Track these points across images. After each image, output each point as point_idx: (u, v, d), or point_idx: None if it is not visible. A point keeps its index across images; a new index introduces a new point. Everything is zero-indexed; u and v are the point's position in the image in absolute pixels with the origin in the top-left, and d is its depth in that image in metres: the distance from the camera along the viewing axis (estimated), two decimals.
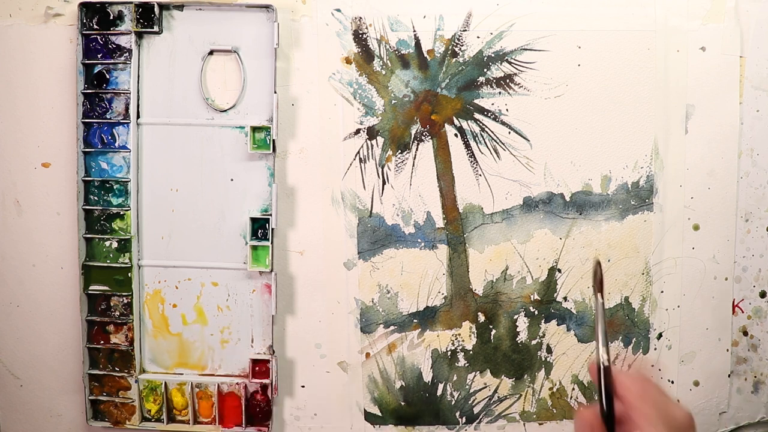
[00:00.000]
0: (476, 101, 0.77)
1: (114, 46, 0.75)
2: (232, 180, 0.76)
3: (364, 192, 0.78)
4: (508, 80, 0.77)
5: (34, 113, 0.76)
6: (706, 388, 0.81)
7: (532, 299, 0.79)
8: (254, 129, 0.75)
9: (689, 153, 0.78)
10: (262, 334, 0.78)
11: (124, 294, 0.77)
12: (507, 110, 0.77)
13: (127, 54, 0.75)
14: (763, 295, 0.81)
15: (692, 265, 0.80)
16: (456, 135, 0.77)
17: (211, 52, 0.75)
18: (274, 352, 0.77)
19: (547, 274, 0.79)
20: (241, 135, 0.76)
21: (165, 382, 0.78)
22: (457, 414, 0.80)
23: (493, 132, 0.77)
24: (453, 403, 0.80)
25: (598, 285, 0.53)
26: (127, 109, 0.75)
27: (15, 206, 0.78)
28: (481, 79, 0.77)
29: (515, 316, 0.79)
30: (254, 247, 0.76)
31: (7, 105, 0.76)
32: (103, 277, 0.77)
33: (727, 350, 0.81)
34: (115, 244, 0.76)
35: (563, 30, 0.76)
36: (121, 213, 0.76)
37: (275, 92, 0.74)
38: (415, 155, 0.77)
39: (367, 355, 0.79)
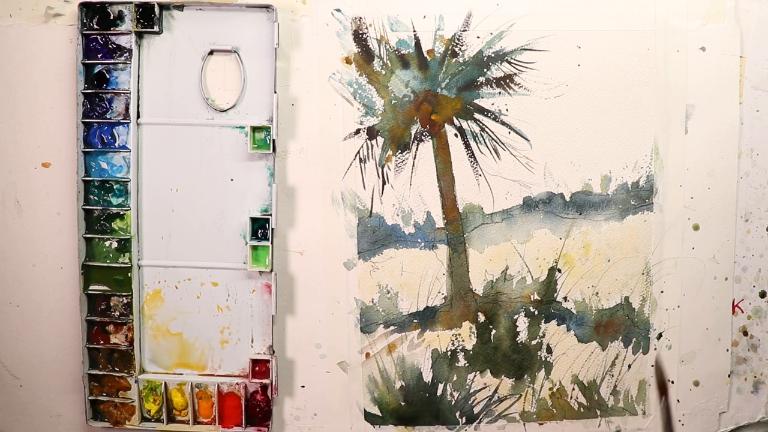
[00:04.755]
0: (476, 101, 0.77)
1: (114, 46, 0.75)
2: (232, 180, 0.76)
3: (364, 192, 0.78)
4: (508, 80, 0.77)
5: (34, 113, 0.76)
6: (706, 388, 0.81)
7: (532, 299, 0.79)
8: (254, 129, 0.75)
9: (689, 153, 0.78)
10: (262, 334, 0.78)
11: (123, 294, 0.77)
12: (507, 110, 0.77)
13: (127, 54, 0.75)
14: (763, 295, 0.81)
15: (692, 265, 0.79)
16: (456, 135, 0.77)
17: (211, 52, 0.75)
18: (274, 352, 0.77)
19: (547, 274, 0.79)
20: (241, 135, 0.76)
21: (165, 382, 0.78)
22: (457, 414, 0.80)
23: (493, 132, 0.77)
24: (453, 403, 0.80)
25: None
26: (127, 109, 0.75)
27: (15, 206, 0.78)
28: (481, 79, 0.77)
29: (515, 316, 0.79)
30: (254, 247, 0.76)
31: (7, 105, 0.76)
32: (103, 277, 0.76)
33: (727, 350, 0.81)
34: (115, 244, 0.76)
35: (563, 30, 0.76)
36: (121, 213, 0.76)
37: (275, 92, 0.74)
38: (415, 155, 0.77)
39: (367, 355, 0.79)
